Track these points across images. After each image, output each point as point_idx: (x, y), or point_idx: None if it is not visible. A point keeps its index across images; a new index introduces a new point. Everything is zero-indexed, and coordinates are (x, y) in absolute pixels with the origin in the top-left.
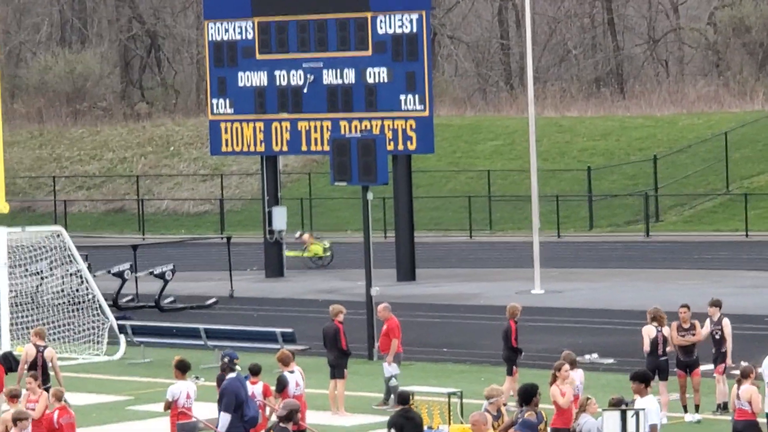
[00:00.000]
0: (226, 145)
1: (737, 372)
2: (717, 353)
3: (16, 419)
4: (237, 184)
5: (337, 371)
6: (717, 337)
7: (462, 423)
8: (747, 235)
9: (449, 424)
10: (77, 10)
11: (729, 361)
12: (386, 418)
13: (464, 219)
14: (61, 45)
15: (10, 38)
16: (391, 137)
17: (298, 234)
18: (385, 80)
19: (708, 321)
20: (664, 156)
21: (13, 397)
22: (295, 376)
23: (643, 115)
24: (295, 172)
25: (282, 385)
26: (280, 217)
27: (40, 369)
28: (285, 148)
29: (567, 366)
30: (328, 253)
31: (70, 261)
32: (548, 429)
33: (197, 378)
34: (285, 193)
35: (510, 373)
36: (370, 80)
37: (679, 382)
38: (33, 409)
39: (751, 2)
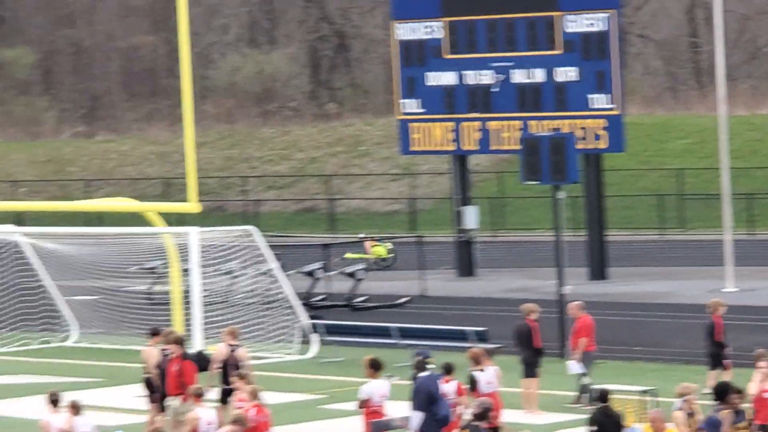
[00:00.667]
0: (416, 145)
1: None
2: None
3: (237, 421)
4: (427, 184)
5: (529, 370)
6: None
7: None
8: None
9: (642, 422)
10: (266, 11)
11: None
12: (579, 417)
13: (655, 217)
14: (250, 46)
15: (200, 39)
16: (581, 136)
17: (361, 235)
18: (575, 79)
19: None
20: None
21: (198, 395)
22: (487, 375)
23: None
24: (486, 171)
25: (475, 384)
26: (471, 216)
27: (232, 368)
28: (475, 147)
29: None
30: (392, 255)
31: (262, 260)
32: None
33: (390, 376)
34: (475, 192)
35: (714, 367)
36: (560, 79)
37: None
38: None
39: None
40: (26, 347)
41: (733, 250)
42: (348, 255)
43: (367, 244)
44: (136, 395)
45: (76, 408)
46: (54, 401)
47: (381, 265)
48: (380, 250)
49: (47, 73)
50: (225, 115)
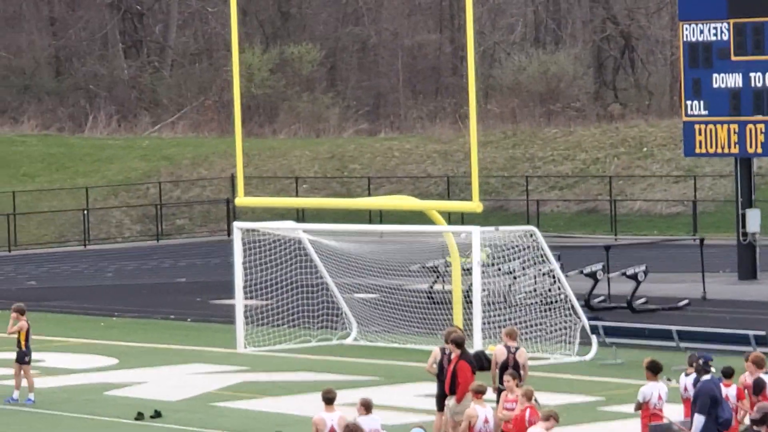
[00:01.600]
0: (700, 147)
1: None
2: None
3: (550, 417)
4: (710, 186)
5: None
6: None
7: None
8: None
9: None
10: (552, 11)
11: None
12: None
13: None
14: (535, 46)
15: (485, 39)
16: None
17: (463, 236)
18: None
19: None
20: None
21: (478, 393)
22: None
23: None
24: None
25: (760, 388)
26: (754, 220)
27: (511, 369)
28: (759, 150)
29: None
30: (489, 260)
31: (543, 261)
32: None
33: (668, 380)
34: (759, 195)
35: None
36: None
37: None
38: (511, 409)
39: None
40: (306, 344)
41: None
42: (448, 258)
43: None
44: (415, 394)
45: (366, 406)
46: (328, 399)
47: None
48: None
49: (332, 70)
50: (508, 114)
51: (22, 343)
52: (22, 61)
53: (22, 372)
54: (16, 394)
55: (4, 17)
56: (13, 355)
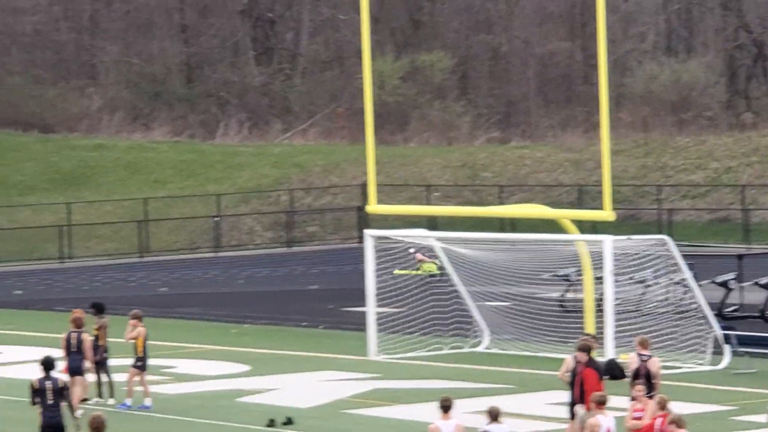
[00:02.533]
0: None
1: None
2: None
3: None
4: None
5: None
6: None
7: None
8: None
9: None
10: (683, 20)
11: None
12: None
13: None
14: (667, 54)
15: (616, 47)
16: None
17: (412, 250)
18: None
19: None
20: None
21: (600, 403)
22: None
23: None
24: None
25: None
26: None
27: (643, 378)
28: None
29: None
30: (440, 272)
31: (675, 270)
32: None
33: None
34: None
35: None
36: None
37: None
38: (639, 418)
39: None
40: (437, 352)
41: None
42: (397, 271)
43: (421, 257)
44: (547, 402)
45: (494, 415)
46: (445, 407)
47: (431, 281)
48: (430, 266)
49: (463, 78)
50: (640, 123)
51: (139, 349)
52: (153, 68)
53: (138, 378)
54: (129, 401)
55: (136, 25)
56: (131, 362)
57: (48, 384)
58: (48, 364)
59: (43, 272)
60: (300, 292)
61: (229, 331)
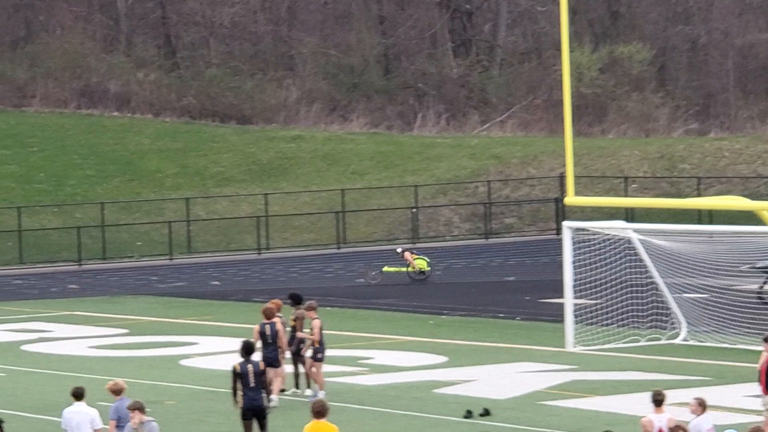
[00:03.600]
0: None
1: None
2: None
3: None
4: None
5: None
6: None
7: None
8: None
9: None
10: None
11: None
12: None
13: None
14: None
15: None
16: None
17: (399, 250)
18: None
19: None
20: None
21: None
22: None
23: None
24: None
25: None
26: None
27: None
28: None
29: None
30: (429, 268)
31: None
32: None
33: None
34: None
35: None
36: None
37: None
38: None
39: None
40: (635, 344)
41: None
42: (386, 268)
43: (408, 255)
44: (745, 394)
45: (703, 406)
46: (657, 401)
47: (420, 277)
48: (422, 262)
49: (662, 70)
50: None
51: (316, 340)
52: (351, 59)
53: (315, 369)
54: (309, 392)
55: (334, 16)
56: (338, 353)
57: (249, 367)
58: (248, 348)
59: (241, 263)
60: (497, 284)
61: (426, 322)
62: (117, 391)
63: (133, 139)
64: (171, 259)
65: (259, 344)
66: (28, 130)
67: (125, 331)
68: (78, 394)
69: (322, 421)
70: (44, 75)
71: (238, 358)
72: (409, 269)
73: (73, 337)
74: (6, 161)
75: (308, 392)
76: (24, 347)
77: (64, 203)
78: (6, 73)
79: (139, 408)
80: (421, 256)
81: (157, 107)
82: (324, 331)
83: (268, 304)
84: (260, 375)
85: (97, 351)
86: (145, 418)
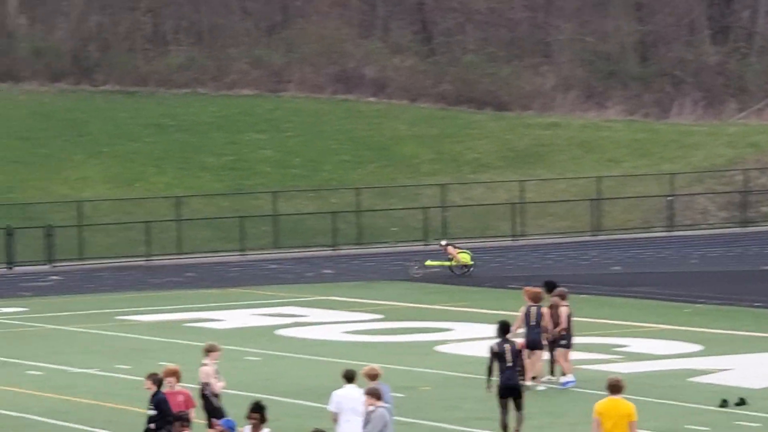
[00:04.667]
0: None
1: None
2: None
3: None
4: None
5: None
6: None
7: None
8: None
9: None
10: None
11: None
12: None
13: None
14: None
15: None
16: None
17: (443, 243)
18: None
19: None
20: None
21: None
22: None
23: None
24: None
25: None
26: None
27: None
28: None
29: None
30: (473, 262)
31: None
32: None
33: None
34: None
35: None
36: None
37: None
38: None
39: None
40: None
41: None
42: (429, 262)
43: (452, 249)
44: None
45: None
46: None
47: (463, 271)
48: (465, 256)
49: None
50: None
51: (563, 328)
52: (607, 46)
53: (564, 356)
54: (564, 379)
55: (591, 2)
56: (579, 340)
57: (506, 347)
58: (505, 327)
59: (496, 249)
60: (754, 273)
61: (681, 310)
62: (373, 376)
63: (389, 124)
64: (426, 244)
65: (521, 328)
66: (285, 115)
67: (380, 316)
68: (349, 377)
69: (617, 397)
70: (300, 60)
71: (496, 336)
72: (452, 263)
73: (327, 322)
74: (262, 146)
75: (563, 379)
76: (278, 332)
77: (319, 188)
78: (263, 59)
79: (372, 394)
80: (464, 250)
81: (413, 93)
82: (579, 319)
83: (536, 288)
84: (517, 355)
85: (351, 336)
86: (378, 404)
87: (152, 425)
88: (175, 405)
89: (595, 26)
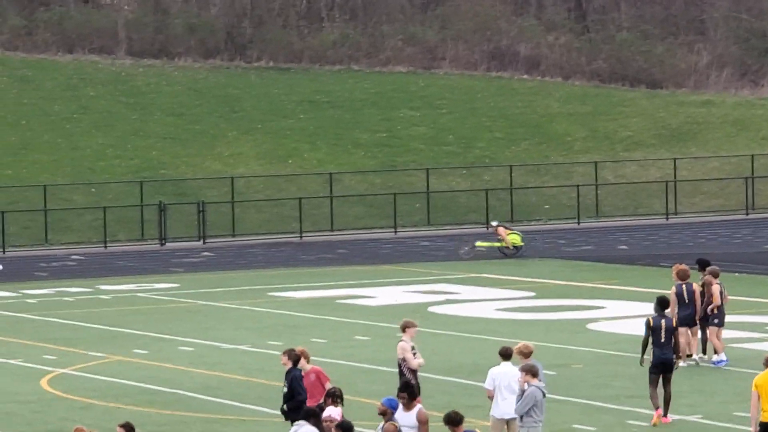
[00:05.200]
0: None
1: None
2: None
3: None
4: None
5: None
6: None
7: None
8: None
9: None
10: None
11: None
12: None
13: None
14: None
15: None
16: None
17: (495, 223)
18: None
19: None
20: None
21: None
22: None
23: None
24: None
25: None
26: None
27: None
28: None
29: None
30: (523, 243)
31: None
32: None
33: None
34: None
35: None
36: None
37: None
38: None
39: None
40: None
41: None
42: (479, 243)
43: (502, 230)
44: None
45: None
46: None
47: (513, 252)
48: (515, 237)
49: None
50: None
51: (715, 306)
52: (763, 23)
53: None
54: (716, 357)
55: None
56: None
57: (662, 322)
58: (663, 302)
59: (649, 227)
60: None
61: None
62: (527, 354)
63: (542, 102)
64: (578, 222)
65: (673, 307)
66: (438, 92)
67: (532, 294)
68: (506, 354)
69: None
70: (454, 37)
71: (654, 311)
72: (503, 244)
73: (479, 300)
74: (416, 123)
75: (715, 358)
76: (431, 309)
77: (472, 165)
78: (417, 36)
79: (528, 371)
80: (515, 231)
81: (567, 71)
82: (731, 297)
83: (682, 266)
84: (671, 332)
85: (503, 313)
86: (533, 381)
87: (284, 406)
88: (308, 384)
89: (750, 3)
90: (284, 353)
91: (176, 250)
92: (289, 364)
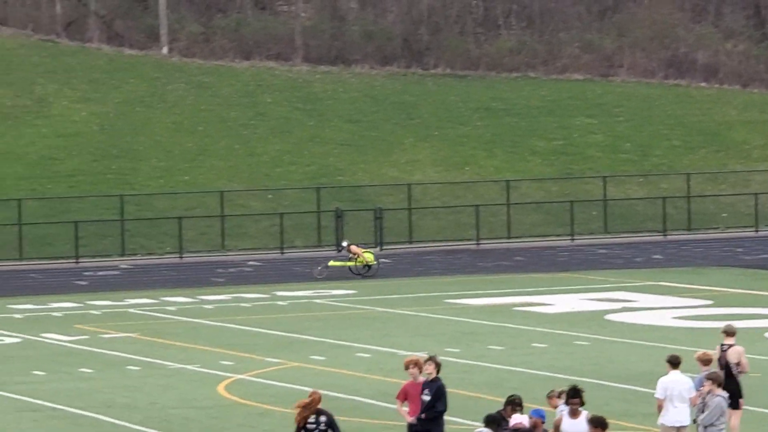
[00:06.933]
0: None
1: None
2: None
3: None
4: None
5: None
6: None
7: None
8: None
9: None
10: None
11: None
12: None
13: None
14: None
15: None
16: None
17: (345, 243)
18: None
19: None
20: None
21: None
22: None
23: None
24: None
25: None
26: None
27: None
28: None
29: None
30: (376, 262)
31: None
32: None
33: None
34: None
35: None
36: None
37: None
38: None
39: None
40: None
41: None
42: (332, 263)
43: (355, 248)
44: None
45: None
46: None
47: (363, 272)
48: (369, 256)
49: None
50: None
51: None
52: None
53: None
54: None
55: None
56: None
57: None
58: None
59: None
60: None
61: None
62: (706, 362)
63: (720, 110)
64: (756, 230)
65: None
66: (615, 100)
67: (710, 302)
68: (674, 362)
69: None
70: (632, 45)
71: None
72: (355, 263)
73: (657, 308)
74: (592, 130)
75: None
76: (608, 316)
77: (649, 173)
78: (594, 43)
79: (714, 379)
80: (368, 250)
81: (745, 78)
82: None
83: None
84: None
85: (681, 321)
86: (717, 391)
87: (423, 415)
88: (415, 395)
89: None
90: (430, 361)
91: None
92: (434, 373)
